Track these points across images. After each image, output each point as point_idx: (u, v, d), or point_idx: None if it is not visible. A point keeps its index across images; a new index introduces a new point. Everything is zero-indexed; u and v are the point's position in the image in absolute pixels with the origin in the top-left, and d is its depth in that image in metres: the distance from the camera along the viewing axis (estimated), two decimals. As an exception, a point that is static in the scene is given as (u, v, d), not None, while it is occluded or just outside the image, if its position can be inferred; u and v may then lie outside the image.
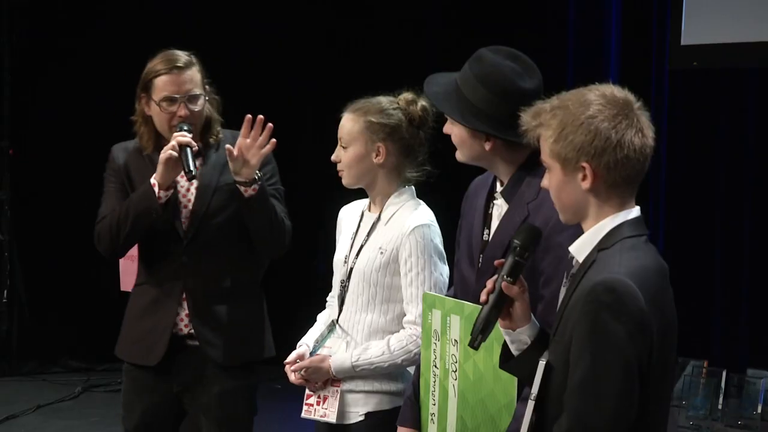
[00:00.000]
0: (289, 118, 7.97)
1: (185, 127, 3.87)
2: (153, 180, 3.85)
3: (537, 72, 3.16)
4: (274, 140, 3.83)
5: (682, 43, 6.65)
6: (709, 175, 6.94)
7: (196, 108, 3.91)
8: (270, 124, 3.81)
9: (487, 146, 3.16)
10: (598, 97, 2.61)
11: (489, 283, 2.75)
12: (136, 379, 4.06)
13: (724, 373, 5.54)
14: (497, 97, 3.10)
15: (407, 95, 3.69)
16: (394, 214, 3.67)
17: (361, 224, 3.75)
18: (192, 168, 3.79)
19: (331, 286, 3.82)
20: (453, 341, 3.21)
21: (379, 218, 3.70)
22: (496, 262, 2.76)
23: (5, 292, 8.23)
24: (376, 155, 3.65)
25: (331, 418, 3.66)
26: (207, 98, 3.98)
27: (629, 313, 2.48)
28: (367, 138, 3.65)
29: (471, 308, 3.14)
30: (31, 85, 8.20)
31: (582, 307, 2.52)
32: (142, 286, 4.06)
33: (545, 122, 2.64)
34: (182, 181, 3.96)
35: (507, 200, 3.19)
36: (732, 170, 6.86)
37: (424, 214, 3.66)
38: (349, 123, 3.69)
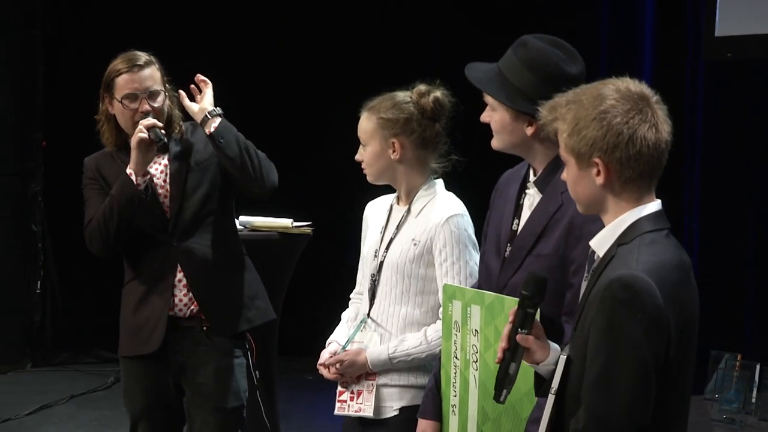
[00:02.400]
0: (315, 116, 7.98)
1: (149, 116, 3.99)
2: (129, 170, 3.97)
3: (580, 59, 3.17)
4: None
5: (716, 34, 6.60)
6: (743, 166, 6.91)
7: (156, 104, 4.04)
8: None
9: (529, 131, 3.15)
10: (613, 91, 2.59)
11: (503, 340, 2.72)
12: (134, 367, 4.17)
13: (757, 367, 5.49)
14: (542, 81, 3.10)
15: (420, 87, 3.68)
16: (425, 205, 3.66)
17: (390, 218, 3.75)
18: (163, 137, 3.94)
19: (353, 284, 3.82)
20: (474, 331, 3.19)
21: (409, 211, 3.69)
22: (510, 317, 2.74)
23: (39, 282, 8.29)
24: (393, 151, 3.66)
25: (368, 413, 3.65)
26: (167, 95, 4.09)
27: (645, 310, 2.47)
28: (381, 135, 3.66)
29: (492, 298, 3.13)
30: (64, 77, 8.23)
31: (599, 303, 2.52)
32: (131, 282, 4.16)
33: (561, 116, 2.64)
34: (156, 169, 4.07)
35: (540, 190, 3.18)
36: (767, 161, 6.82)
37: (455, 205, 3.65)
38: (364, 122, 3.71)
